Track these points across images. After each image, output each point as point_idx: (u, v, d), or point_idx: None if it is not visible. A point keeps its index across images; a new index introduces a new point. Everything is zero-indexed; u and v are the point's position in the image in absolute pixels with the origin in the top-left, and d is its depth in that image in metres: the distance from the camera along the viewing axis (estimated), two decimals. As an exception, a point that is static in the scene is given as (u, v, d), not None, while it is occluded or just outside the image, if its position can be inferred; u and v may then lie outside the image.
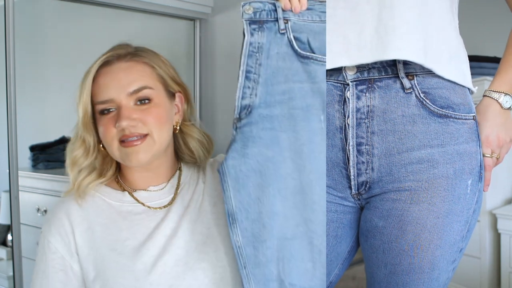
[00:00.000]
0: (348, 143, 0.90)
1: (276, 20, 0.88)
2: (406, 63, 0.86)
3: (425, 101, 0.87)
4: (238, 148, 0.86)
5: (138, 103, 0.89)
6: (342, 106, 0.90)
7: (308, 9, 0.88)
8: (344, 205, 0.96)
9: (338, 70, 0.90)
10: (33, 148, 2.20)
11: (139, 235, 0.91)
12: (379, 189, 0.91)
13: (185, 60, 2.22)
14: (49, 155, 2.18)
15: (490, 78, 1.88)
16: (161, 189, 0.97)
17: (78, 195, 0.92)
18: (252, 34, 0.87)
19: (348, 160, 0.91)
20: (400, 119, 0.88)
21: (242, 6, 0.87)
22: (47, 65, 2.31)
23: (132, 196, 0.95)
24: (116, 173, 0.99)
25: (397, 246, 0.90)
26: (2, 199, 1.99)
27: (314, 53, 0.87)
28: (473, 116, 0.90)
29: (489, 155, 0.93)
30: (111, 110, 0.90)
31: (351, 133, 0.90)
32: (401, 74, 0.87)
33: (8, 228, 1.98)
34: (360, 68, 0.89)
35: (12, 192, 1.58)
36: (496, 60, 2.09)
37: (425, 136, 0.87)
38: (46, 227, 0.92)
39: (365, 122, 0.89)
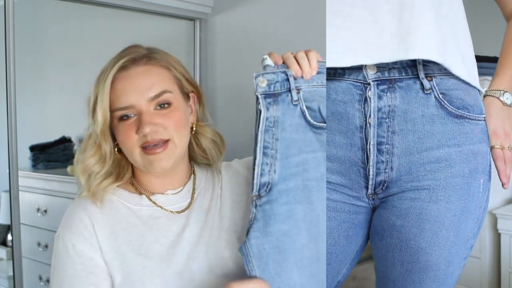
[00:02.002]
0: (368, 142, 0.91)
1: (289, 90, 0.84)
2: (425, 64, 0.88)
3: (443, 101, 0.89)
4: (260, 227, 0.83)
5: (158, 107, 0.88)
6: (363, 106, 0.91)
7: (317, 72, 0.85)
8: (357, 206, 0.97)
9: (358, 69, 0.91)
10: (33, 148, 2.20)
11: (163, 240, 0.90)
12: (397, 188, 0.92)
13: (185, 60, 2.21)
14: (49, 155, 2.18)
15: (490, 78, 1.87)
16: (178, 192, 0.96)
17: (95, 199, 0.89)
18: (268, 109, 0.83)
19: (367, 159, 0.92)
20: (420, 119, 0.89)
21: (255, 78, 0.82)
22: (47, 65, 2.31)
23: (150, 200, 0.94)
24: (131, 176, 0.97)
25: (415, 244, 0.91)
26: (2, 199, 1.99)
27: (325, 122, 0.86)
28: (484, 117, 0.93)
29: (499, 147, 0.95)
30: (130, 116, 0.87)
31: (372, 132, 0.91)
32: (421, 75, 0.88)
33: (8, 228, 1.98)
34: (380, 68, 0.90)
35: (12, 192, 1.58)
36: (496, 60, 2.08)
37: (443, 136, 0.90)
38: (65, 230, 0.88)
39: (386, 122, 0.90)
